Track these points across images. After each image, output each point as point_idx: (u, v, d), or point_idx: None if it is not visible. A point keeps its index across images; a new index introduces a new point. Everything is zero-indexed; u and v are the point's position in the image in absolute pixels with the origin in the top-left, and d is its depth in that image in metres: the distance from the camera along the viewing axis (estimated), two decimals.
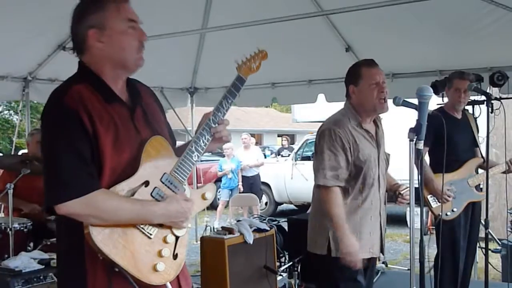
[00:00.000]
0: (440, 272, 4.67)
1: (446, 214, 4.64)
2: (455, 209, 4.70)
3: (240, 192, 11.31)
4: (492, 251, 6.07)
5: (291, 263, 5.67)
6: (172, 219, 2.09)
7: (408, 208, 3.11)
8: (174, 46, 6.39)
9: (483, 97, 4.74)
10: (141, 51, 2.15)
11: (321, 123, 3.49)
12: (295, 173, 12.64)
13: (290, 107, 22.96)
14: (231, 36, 6.10)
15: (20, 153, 7.47)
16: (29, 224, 4.98)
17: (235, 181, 11.60)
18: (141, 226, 2.04)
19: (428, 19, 5.54)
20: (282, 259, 6.15)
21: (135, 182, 2.03)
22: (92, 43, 2.09)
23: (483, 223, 4.78)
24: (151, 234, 2.06)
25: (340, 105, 3.54)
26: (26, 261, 4.23)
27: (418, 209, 2.84)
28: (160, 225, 2.08)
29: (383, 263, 6.98)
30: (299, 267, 5.47)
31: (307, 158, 12.49)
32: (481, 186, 5.02)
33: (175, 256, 2.12)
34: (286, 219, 6.68)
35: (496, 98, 5.11)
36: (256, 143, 15.93)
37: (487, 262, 4.56)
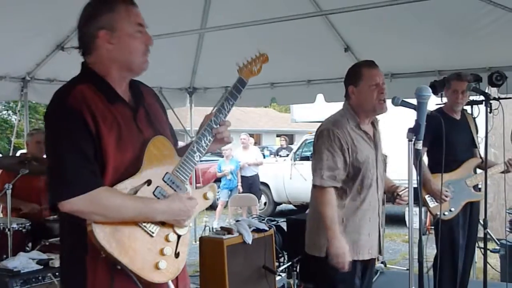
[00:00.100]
0: (439, 272, 4.67)
1: (444, 214, 4.65)
2: (452, 209, 4.71)
3: (239, 193, 11.31)
4: (491, 251, 6.08)
5: (290, 263, 5.68)
6: (175, 217, 2.12)
7: (407, 208, 3.11)
8: (173, 46, 6.39)
9: (482, 97, 4.75)
10: (147, 55, 2.19)
11: (320, 123, 3.49)
12: (294, 173, 12.63)
13: (289, 107, 22.94)
14: (230, 36, 6.10)
15: (18, 153, 7.45)
16: (28, 224, 4.98)
17: (234, 182, 11.60)
18: (143, 224, 2.06)
19: (427, 19, 5.54)
20: (281, 259, 6.15)
21: (138, 181, 2.06)
22: (101, 44, 2.11)
23: (482, 223, 4.79)
24: (153, 233, 2.08)
25: (339, 105, 3.54)
26: (24, 261, 4.23)
27: (416, 209, 2.85)
28: (162, 224, 2.11)
29: (382, 263, 6.99)
30: (298, 267, 5.47)
31: (306, 158, 12.50)
32: (479, 186, 5.03)
33: (177, 255, 2.14)
34: (285, 219, 6.69)
35: (494, 98, 5.12)
36: (255, 143, 15.91)
37: (485, 262, 4.57)
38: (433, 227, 5.40)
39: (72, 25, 5.93)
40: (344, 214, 3.32)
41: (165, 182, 2.13)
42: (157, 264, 2.05)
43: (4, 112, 28.57)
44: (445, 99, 5.01)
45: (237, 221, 5.58)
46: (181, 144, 2.47)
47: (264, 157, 15.17)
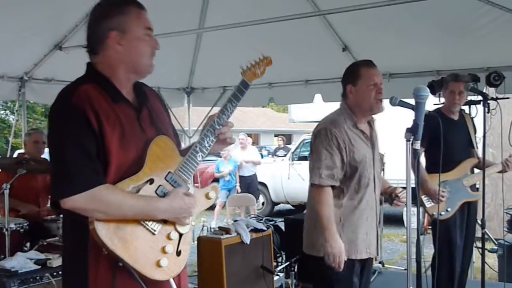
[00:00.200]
0: (437, 272, 4.67)
1: (441, 214, 4.66)
2: (449, 209, 4.72)
3: (237, 193, 11.31)
4: (489, 251, 6.08)
5: (288, 263, 5.67)
6: (176, 215, 2.14)
7: (405, 208, 3.11)
8: (171, 46, 6.37)
9: (480, 97, 4.76)
10: (153, 58, 2.24)
11: (318, 123, 3.49)
12: (292, 173, 12.63)
13: (286, 107, 22.91)
14: (228, 36, 6.10)
15: (16, 153, 7.44)
16: (26, 224, 4.98)
17: (232, 182, 11.59)
18: (145, 222, 2.08)
19: (424, 19, 5.54)
20: (279, 259, 6.15)
21: (140, 180, 2.09)
22: (111, 45, 2.15)
23: (480, 223, 4.79)
24: (155, 231, 2.10)
25: (337, 105, 3.54)
26: (22, 261, 4.22)
27: (414, 209, 2.85)
28: (164, 222, 2.13)
29: (380, 263, 6.99)
30: (296, 267, 5.47)
31: (304, 158, 12.48)
32: (477, 186, 5.03)
33: (178, 253, 2.16)
34: (283, 219, 6.69)
35: (492, 98, 5.12)
36: (253, 143, 15.88)
37: (483, 262, 4.57)
38: (431, 227, 5.41)
39: (70, 24, 5.98)
40: (341, 213, 3.32)
41: (168, 181, 2.16)
42: (158, 261, 2.07)
43: (2, 112, 28.56)
44: (443, 99, 5.02)
45: (235, 221, 5.58)
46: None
47: (262, 157, 15.18)
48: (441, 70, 6.22)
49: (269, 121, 34.68)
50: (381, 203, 3.62)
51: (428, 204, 4.72)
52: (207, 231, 5.81)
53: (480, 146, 4.86)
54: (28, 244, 5.07)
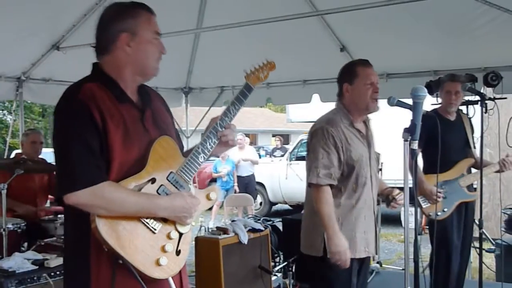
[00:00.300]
0: (434, 272, 4.67)
1: (437, 215, 4.66)
2: (445, 209, 4.72)
3: (235, 193, 11.30)
4: (486, 251, 6.09)
5: (285, 263, 5.68)
6: (177, 214, 2.16)
7: (403, 208, 3.11)
8: (169, 46, 6.33)
9: (477, 97, 4.76)
10: (159, 62, 2.32)
11: (314, 123, 3.49)
12: (289, 173, 12.64)
13: (284, 107, 22.94)
14: (225, 36, 6.10)
15: (13, 153, 7.44)
16: (23, 224, 4.97)
17: (230, 182, 11.59)
18: (146, 220, 2.11)
19: (422, 19, 5.54)
20: (277, 259, 6.15)
21: (142, 179, 2.12)
22: (121, 46, 2.20)
23: (477, 223, 4.79)
24: (155, 229, 2.12)
25: (334, 105, 3.54)
26: (19, 261, 4.21)
27: (412, 209, 2.84)
28: (165, 221, 2.15)
29: (377, 263, 7.00)
30: (293, 267, 5.46)
31: (301, 158, 12.47)
32: (474, 186, 5.04)
33: (178, 252, 2.18)
34: (280, 219, 6.68)
35: (490, 98, 5.13)
36: (251, 143, 15.91)
37: (481, 261, 4.57)
38: (428, 227, 5.41)
39: (68, 24, 5.97)
40: (339, 213, 3.32)
41: (169, 181, 2.19)
42: (158, 260, 2.09)
43: None
44: (440, 99, 5.02)
45: (233, 221, 5.58)
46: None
47: (260, 157, 15.17)
48: (438, 70, 6.23)
49: (267, 121, 34.68)
50: (378, 203, 3.62)
51: (424, 204, 4.73)
52: (205, 231, 5.79)
53: (477, 146, 4.86)
54: (25, 244, 5.07)
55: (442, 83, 4.88)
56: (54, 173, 5.70)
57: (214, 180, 11.89)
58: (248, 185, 11.73)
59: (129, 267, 2.03)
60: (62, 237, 4.70)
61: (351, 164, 3.33)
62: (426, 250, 5.44)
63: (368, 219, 3.42)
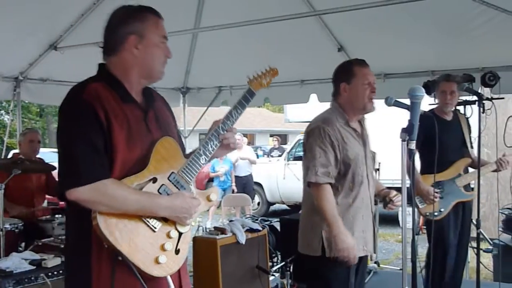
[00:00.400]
0: (431, 271, 4.68)
1: (434, 215, 4.66)
2: (442, 209, 4.73)
3: (233, 193, 11.30)
4: (484, 251, 6.09)
5: (283, 263, 5.67)
6: (177, 214, 2.19)
7: (400, 208, 3.12)
8: None
9: (475, 97, 4.77)
10: (164, 66, 2.34)
11: (310, 122, 3.50)
12: (287, 173, 12.64)
13: (282, 107, 22.94)
14: (223, 36, 6.09)
15: (11, 153, 7.41)
16: (20, 224, 4.96)
17: (227, 182, 11.58)
18: (147, 219, 2.14)
19: (420, 20, 5.54)
20: (275, 259, 6.14)
21: (144, 178, 2.15)
22: (128, 48, 2.24)
23: (475, 222, 4.80)
24: (155, 228, 2.16)
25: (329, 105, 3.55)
26: (17, 261, 4.20)
27: (410, 209, 2.85)
28: (165, 220, 2.18)
29: (375, 262, 7.00)
30: (291, 267, 5.47)
31: (299, 158, 12.46)
32: (471, 186, 5.04)
33: (177, 251, 2.22)
34: (278, 219, 6.68)
35: (487, 98, 5.14)
36: (249, 143, 15.89)
37: (478, 261, 4.58)
38: (425, 227, 5.41)
39: (65, 24, 5.96)
40: (337, 211, 3.32)
41: (170, 181, 2.23)
42: (157, 258, 2.12)
43: None
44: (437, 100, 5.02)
45: (231, 221, 5.58)
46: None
47: (258, 157, 15.17)
48: (436, 70, 6.23)
49: (264, 121, 34.66)
50: (376, 203, 3.62)
51: (421, 205, 4.73)
52: (203, 231, 5.78)
53: (475, 146, 4.87)
54: (23, 245, 5.05)
55: (437, 83, 4.89)
56: (53, 173, 5.74)
57: (211, 179, 11.88)
58: (246, 185, 11.73)
59: (129, 264, 2.05)
60: (60, 237, 4.71)
61: (347, 162, 3.33)
62: (423, 250, 5.45)
63: (366, 218, 3.43)
